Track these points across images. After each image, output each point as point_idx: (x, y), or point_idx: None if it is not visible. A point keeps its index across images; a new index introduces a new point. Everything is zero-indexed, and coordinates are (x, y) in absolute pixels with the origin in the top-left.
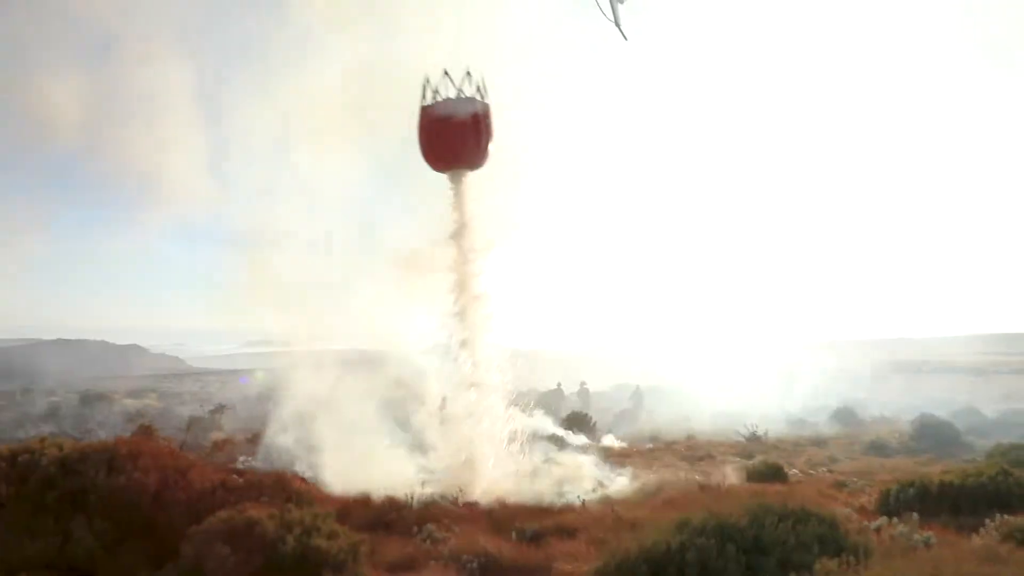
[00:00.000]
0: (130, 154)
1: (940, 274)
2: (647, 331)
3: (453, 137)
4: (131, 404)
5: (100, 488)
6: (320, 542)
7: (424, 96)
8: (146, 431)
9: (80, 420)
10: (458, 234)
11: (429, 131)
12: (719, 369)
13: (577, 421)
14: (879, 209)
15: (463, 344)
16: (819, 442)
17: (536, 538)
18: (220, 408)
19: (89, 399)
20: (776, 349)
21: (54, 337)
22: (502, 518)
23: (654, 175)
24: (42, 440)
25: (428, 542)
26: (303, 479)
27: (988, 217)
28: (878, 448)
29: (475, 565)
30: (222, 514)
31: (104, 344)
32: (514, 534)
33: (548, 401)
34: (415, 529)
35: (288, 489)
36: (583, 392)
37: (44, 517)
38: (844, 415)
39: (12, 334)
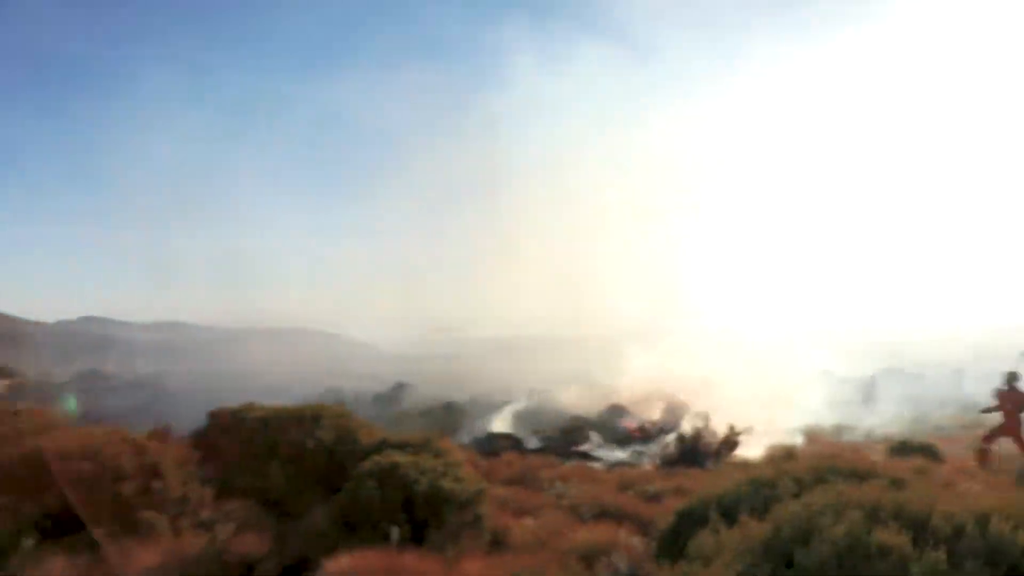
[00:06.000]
0: None
1: None
2: None
3: None
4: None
5: (290, 441)
6: (447, 484)
7: None
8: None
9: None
10: None
11: None
12: None
13: None
14: None
15: None
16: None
17: (655, 497)
18: (399, 387)
19: (294, 380)
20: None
21: (267, 327)
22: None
23: None
24: (249, 404)
25: (555, 496)
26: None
27: None
28: None
29: (589, 514)
30: (375, 458)
31: (309, 332)
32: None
33: None
34: (547, 485)
35: (433, 445)
36: None
37: (249, 461)
38: None
39: (230, 324)
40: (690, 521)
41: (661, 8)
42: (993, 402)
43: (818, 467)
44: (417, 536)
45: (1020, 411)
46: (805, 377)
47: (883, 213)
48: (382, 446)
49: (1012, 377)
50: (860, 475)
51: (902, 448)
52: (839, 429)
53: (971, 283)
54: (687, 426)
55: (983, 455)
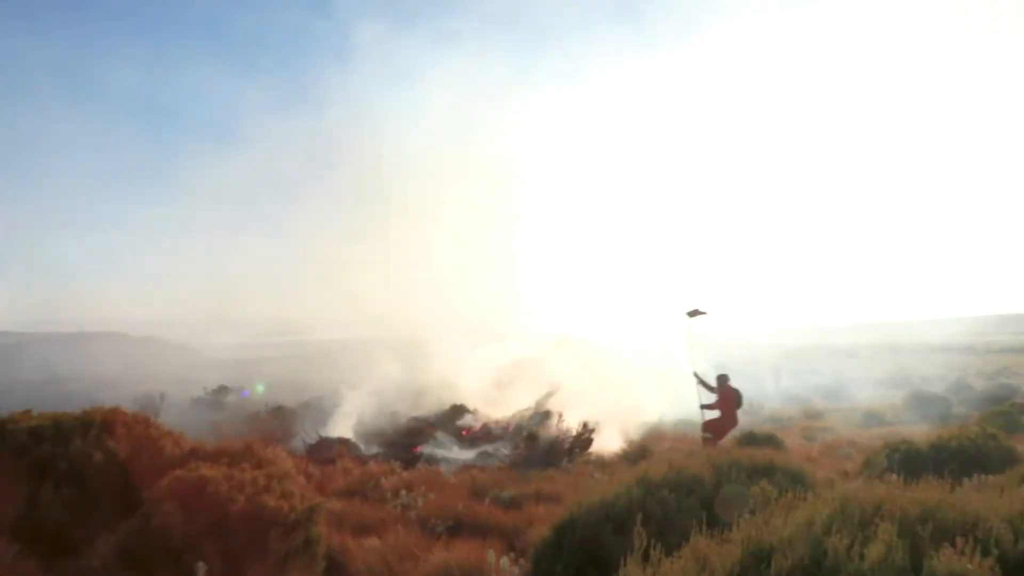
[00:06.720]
0: None
1: (927, 259)
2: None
3: None
4: (140, 388)
5: (70, 455)
6: (271, 501)
7: None
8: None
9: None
10: None
11: None
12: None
13: None
14: (870, 201)
15: None
16: (814, 415)
17: (514, 503)
18: (222, 390)
19: (102, 387)
20: (773, 330)
21: (73, 330)
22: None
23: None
24: (24, 412)
25: (400, 508)
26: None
27: (970, 204)
28: (872, 420)
29: (442, 527)
30: (177, 473)
31: (121, 336)
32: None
33: None
34: (390, 496)
35: (255, 454)
36: None
37: (12, 485)
38: (839, 391)
39: (30, 327)
40: (572, 535)
41: None
42: (711, 398)
43: (718, 463)
44: (233, 570)
45: (735, 407)
46: (644, 376)
47: (715, 218)
48: (190, 457)
49: (724, 378)
50: (761, 470)
51: (750, 439)
52: (681, 424)
53: (782, 291)
54: (536, 425)
55: (709, 443)
